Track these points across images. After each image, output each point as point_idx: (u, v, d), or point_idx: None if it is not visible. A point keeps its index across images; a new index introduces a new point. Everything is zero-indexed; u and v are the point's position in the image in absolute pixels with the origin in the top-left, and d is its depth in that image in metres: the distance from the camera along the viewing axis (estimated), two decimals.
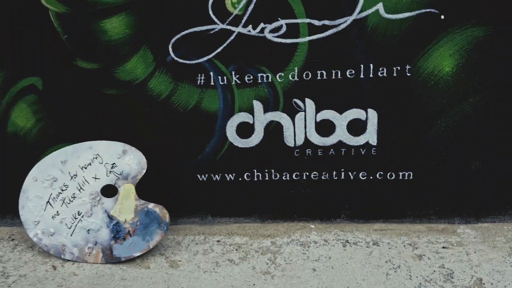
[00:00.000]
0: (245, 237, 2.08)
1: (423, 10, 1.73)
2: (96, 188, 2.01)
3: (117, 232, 1.98)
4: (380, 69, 1.84)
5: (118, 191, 2.00)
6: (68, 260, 1.98)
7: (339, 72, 1.86)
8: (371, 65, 1.83)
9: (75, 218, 2.02)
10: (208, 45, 1.86)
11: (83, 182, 2.01)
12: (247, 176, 2.08)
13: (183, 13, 1.83)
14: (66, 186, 2.02)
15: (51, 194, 2.02)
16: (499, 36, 1.75)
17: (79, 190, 2.02)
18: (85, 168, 2.03)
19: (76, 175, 2.02)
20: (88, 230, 2.00)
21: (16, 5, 1.87)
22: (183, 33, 1.85)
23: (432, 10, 1.73)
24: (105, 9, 1.83)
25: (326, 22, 1.78)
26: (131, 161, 2.00)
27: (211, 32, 1.84)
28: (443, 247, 1.92)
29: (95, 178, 2.01)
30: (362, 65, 1.84)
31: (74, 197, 2.01)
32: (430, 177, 1.99)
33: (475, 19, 1.73)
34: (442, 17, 1.74)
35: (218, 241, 2.06)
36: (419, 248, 1.91)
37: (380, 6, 1.74)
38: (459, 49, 1.77)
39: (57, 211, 2.01)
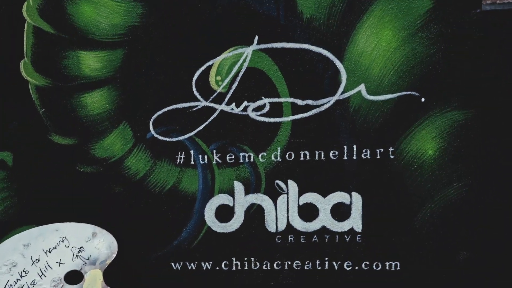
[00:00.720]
0: None
1: (404, 93, 1.77)
2: (59, 274, 1.84)
3: None
4: (364, 150, 1.82)
5: (84, 277, 1.84)
6: None
7: (322, 153, 1.84)
8: (355, 146, 1.82)
9: None
10: (190, 122, 1.84)
11: (45, 267, 1.85)
12: (225, 265, 1.94)
13: (166, 89, 1.83)
14: (26, 272, 1.85)
15: (8, 281, 1.83)
16: (478, 120, 1.78)
17: (40, 276, 1.84)
18: (49, 252, 1.87)
19: (38, 260, 1.85)
20: None
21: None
22: (165, 109, 1.84)
23: (413, 93, 1.77)
24: (86, 83, 1.82)
25: (309, 101, 1.80)
26: (101, 244, 1.86)
27: (194, 109, 1.83)
28: None
29: (60, 263, 1.85)
30: (345, 146, 1.82)
31: (34, 284, 1.83)
32: (418, 268, 1.89)
33: (455, 102, 1.77)
34: (423, 99, 1.78)
35: None
36: None
37: (362, 87, 1.77)
38: (440, 132, 1.79)
39: None
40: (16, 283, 1.82)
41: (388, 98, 1.78)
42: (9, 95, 1.86)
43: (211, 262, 1.94)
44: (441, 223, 1.84)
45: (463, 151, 1.79)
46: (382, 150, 1.81)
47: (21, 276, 1.83)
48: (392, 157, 1.81)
